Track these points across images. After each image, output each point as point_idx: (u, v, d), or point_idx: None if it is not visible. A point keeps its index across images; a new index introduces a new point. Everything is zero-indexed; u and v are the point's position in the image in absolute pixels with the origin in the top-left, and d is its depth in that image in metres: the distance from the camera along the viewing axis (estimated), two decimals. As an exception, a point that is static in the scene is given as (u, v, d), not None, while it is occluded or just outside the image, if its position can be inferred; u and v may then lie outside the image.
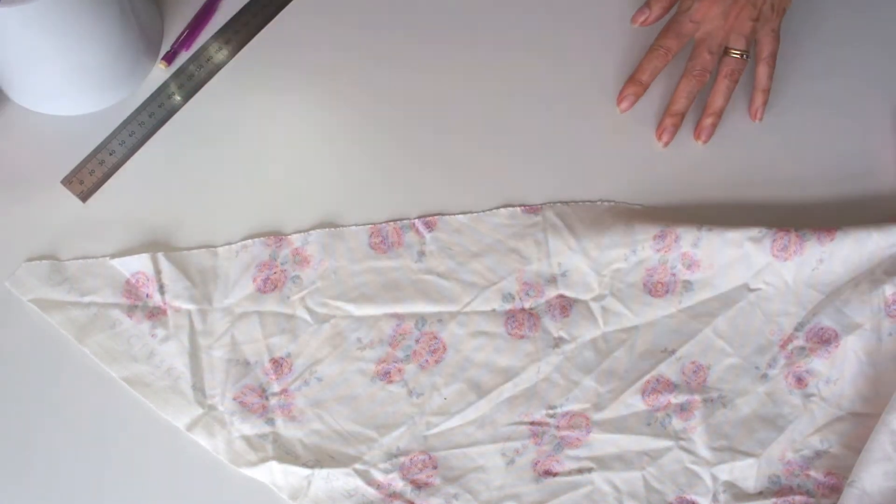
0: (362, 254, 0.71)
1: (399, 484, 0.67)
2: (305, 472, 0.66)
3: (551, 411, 0.69)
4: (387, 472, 0.67)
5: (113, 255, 0.71)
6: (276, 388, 0.69)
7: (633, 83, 0.74)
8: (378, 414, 0.69)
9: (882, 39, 0.78)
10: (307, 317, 0.70)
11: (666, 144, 0.74)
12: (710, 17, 0.71)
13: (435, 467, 0.68)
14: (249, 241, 0.72)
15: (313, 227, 0.72)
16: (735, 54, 0.72)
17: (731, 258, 0.70)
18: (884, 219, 0.70)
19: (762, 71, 0.74)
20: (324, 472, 0.66)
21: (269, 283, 0.71)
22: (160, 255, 0.70)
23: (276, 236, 0.72)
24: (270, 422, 0.68)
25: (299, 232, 0.72)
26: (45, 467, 0.67)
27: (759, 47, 0.74)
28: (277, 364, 0.69)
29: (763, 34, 0.73)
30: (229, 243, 0.72)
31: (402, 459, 0.68)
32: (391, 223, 0.72)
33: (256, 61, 0.78)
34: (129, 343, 0.69)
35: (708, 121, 0.74)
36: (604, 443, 0.69)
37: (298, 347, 0.70)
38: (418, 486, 0.67)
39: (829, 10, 0.79)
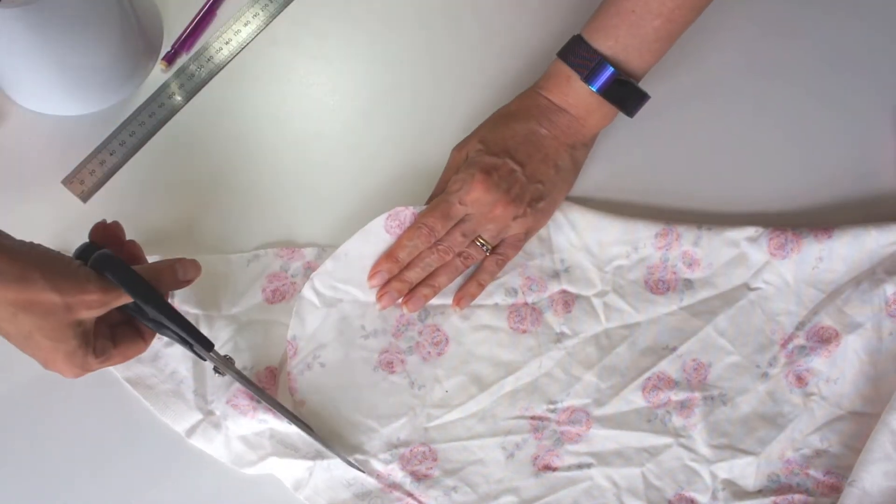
0: (375, 236, 0.70)
1: (398, 475, 0.67)
2: (307, 464, 0.66)
3: (552, 406, 0.69)
4: (387, 462, 0.67)
5: None
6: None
7: (390, 259, 0.69)
8: (379, 404, 0.69)
9: (882, 39, 0.79)
10: (315, 299, 0.69)
11: (411, 312, 0.70)
12: (479, 203, 0.68)
13: (435, 459, 0.68)
14: (262, 251, 0.71)
15: (323, 232, 0.72)
16: (480, 242, 0.69)
17: (730, 257, 0.71)
18: (884, 219, 0.70)
19: (489, 266, 0.70)
20: (324, 462, 0.66)
21: (278, 294, 0.71)
22: None
23: (290, 248, 0.71)
24: (262, 421, 0.67)
25: (313, 246, 0.71)
26: (46, 463, 0.67)
27: (501, 246, 0.70)
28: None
29: (512, 236, 0.70)
30: (241, 251, 0.71)
31: (402, 450, 0.68)
32: (410, 208, 0.70)
33: (257, 61, 0.78)
34: None
35: (423, 290, 0.69)
36: (604, 438, 0.69)
37: (305, 330, 0.69)
38: (418, 477, 0.67)
39: (829, 9, 0.80)
